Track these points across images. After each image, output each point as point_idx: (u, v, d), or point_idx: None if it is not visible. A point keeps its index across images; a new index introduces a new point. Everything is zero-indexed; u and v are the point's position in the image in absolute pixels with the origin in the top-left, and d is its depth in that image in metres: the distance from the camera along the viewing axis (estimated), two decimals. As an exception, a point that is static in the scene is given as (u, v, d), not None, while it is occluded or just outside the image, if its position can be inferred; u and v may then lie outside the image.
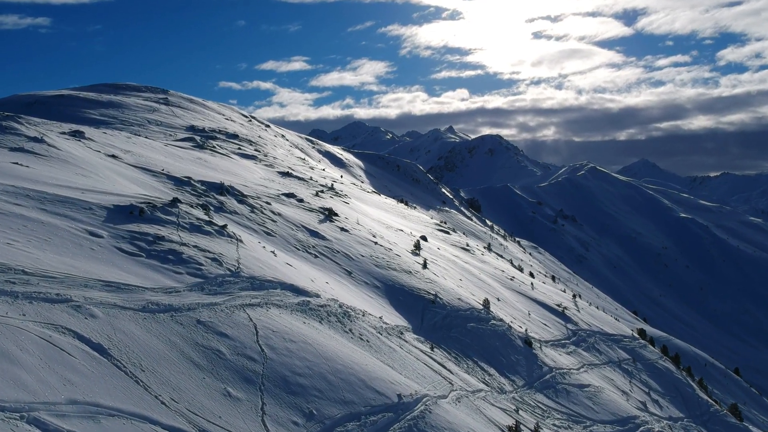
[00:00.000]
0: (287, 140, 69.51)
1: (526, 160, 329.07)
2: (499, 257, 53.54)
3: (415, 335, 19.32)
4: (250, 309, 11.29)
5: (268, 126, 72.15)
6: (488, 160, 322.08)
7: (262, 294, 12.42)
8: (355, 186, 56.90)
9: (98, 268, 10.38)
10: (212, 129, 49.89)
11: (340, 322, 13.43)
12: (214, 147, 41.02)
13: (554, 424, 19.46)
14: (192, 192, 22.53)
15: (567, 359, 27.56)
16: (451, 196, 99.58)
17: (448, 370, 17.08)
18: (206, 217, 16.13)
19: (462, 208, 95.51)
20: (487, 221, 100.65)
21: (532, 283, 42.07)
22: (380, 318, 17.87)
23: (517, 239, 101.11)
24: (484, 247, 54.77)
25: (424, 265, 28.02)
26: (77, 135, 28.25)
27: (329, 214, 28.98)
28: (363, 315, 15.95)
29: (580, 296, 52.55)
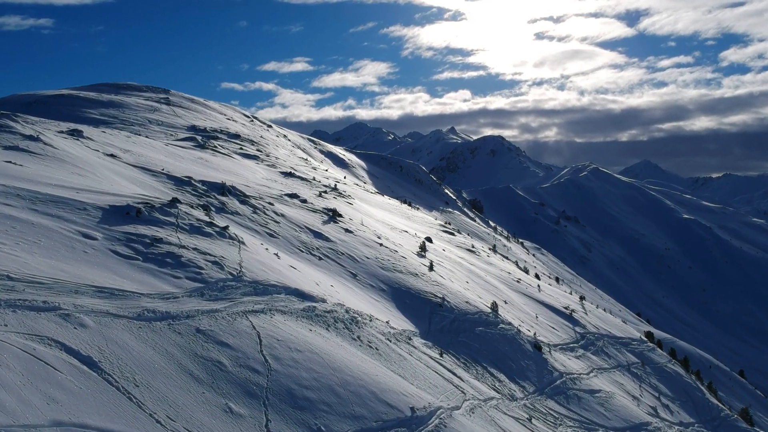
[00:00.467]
0: (289, 140, 68.87)
1: (528, 161, 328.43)
2: (504, 259, 52.85)
3: (423, 340, 18.67)
4: (253, 316, 10.59)
5: (270, 126, 71.54)
6: (490, 160, 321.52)
7: (265, 299, 11.73)
8: (358, 186, 56.25)
9: (91, 272, 9.70)
10: (214, 129, 49.27)
11: (348, 329, 12.74)
12: (215, 147, 40.38)
13: (568, 433, 18.80)
14: (192, 192, 21.87)
15: (576, 363, 26.92)
16: (453, 197, 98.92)
17: (459, 378, 16.41)
18: (207, 218, 15.45)
19: (465, 209, 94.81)
20: (491, 222, 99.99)
21: (538, 285, 41.38)
22: (387, 322, 17.23)
23: (520, 240, 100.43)
24: (490, 249, 54.09)
25: (431, 268, 27.35)
26: (75, 134, 27.60)
27: (333, 215, 28.32)
28: (370, 320, 15.28)
29: (584, 298, 51.87)
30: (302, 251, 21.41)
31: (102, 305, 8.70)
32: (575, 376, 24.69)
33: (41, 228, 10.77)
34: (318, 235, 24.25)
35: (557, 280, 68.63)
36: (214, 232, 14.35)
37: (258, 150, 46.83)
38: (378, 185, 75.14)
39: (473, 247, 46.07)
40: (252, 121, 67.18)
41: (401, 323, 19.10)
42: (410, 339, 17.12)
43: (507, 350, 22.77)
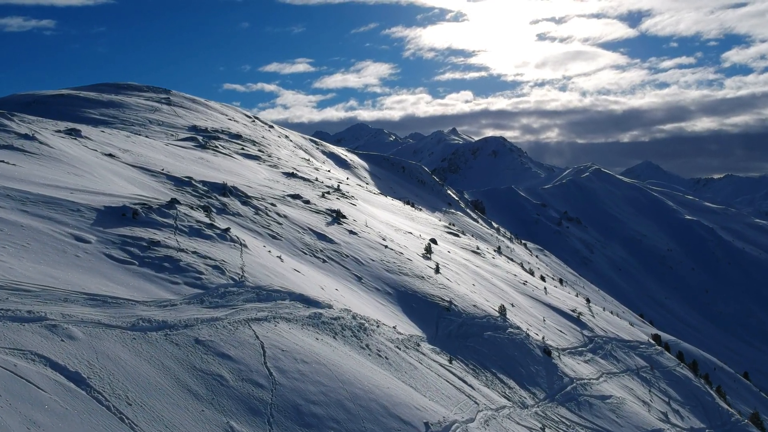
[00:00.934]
0: (291, 141, 68.22)
1: (530, 161, 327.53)
2: (509, 261, 52.16)
3: (431, 346, 18.02)
4: (256, 324, 9.91)
5: (271, 127, 70.89)
6: (492, 161, 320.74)
7: (269, 306, 11.04)
8: (360, 187, 55.60)
9: (82, 278, 9.03)
10: (215, 129, 48.62)
11: (356, 337, 12.06)
12: (216, 147, 39.73)
13: (583, 443, 18.15)
14: (193, 193, 21.21)
15: (586, 368, 26.27)
16: (456, 198, 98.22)
17: (470, 386, 15.74)
18: (207, 220, 14.76)
19: (468, 210, 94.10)
20: (493, 223, 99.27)
21: (545, 288, 40.70)
22: (394, 328, 16.58)
23: (523, 241, 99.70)
24: (495, 250, 53.40)
25: (437, 270, 26.68)
26: (73, 133, 26.95)
27: (337, 216, 27.65)
28: (378, 326, 14.62)
29: (590, 301, 51.18)
30: (306, 253, 20.74)
31: (93, 314, 8.03)
32: (585, 381, 24.06)
33: (31, 230, 10.11)
34: (322, 236, 23.58)
35: (561, 281, 67.87)
36: (214, 235, 13.67)
37: (260, 150, 46.17)
38: (380, 186, 74.46)
39: (478, 248, 45.39)
40: (254, 121, 66.54)
41: (408, 328, 18.46)
42: (418, 345, 16.46)
43: (516, 355, 22.11)
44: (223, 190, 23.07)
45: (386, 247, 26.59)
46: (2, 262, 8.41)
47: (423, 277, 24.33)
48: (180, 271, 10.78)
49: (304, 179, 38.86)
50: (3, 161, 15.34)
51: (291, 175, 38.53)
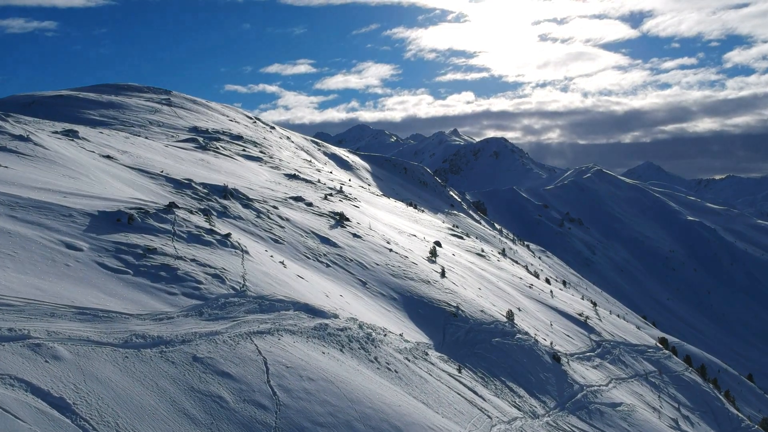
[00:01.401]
0: (292, 142, 67.60)
1: (531, 162, 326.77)
2: (514, 263, 51.51)
3: (439, 354, 17.41)
4: (259, 338, 9.26)
5: (273, 128, 70.27)
6: (493, 162, 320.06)
7: (272, 317, 10.39)
8: (363, 189, 54.97)
9: (72, 290, 8.38)
10: (216, 130, 48.01)
11: (364, 349, 11.41)
12: (217, 148, 39.12)
13: (598, 456, 17.53)
14: (193, 195, 20.58)
15: (595, 374, 25.66)
16: (458, 199, 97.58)
17: (481, 397, 15.11)
18: (207, 225, 14.11)
19: (470, 212, 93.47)
20: (496, 225, 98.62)
21: (551, 291, 40.06)
22: (401, 335, 15.98)
23: (525, 243, 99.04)
24: (499, 253, 52.75)
25: (443, 274, 26.06)
26: (70, 134, 26.33)
27: (340, 219, 27.03)
28: (385, 335, 13.99)
29: (596, 304, 50.55)
30: (309, 258, 20.11)
31: (82, 330, 7.39)
32: (595, 388, 23.45)
33: (18, 238, 9.47)
34: (325, 240, 22.96)
35: (564, 283, 67.23)
36: (214, 240, 13.02)
37: (261, 152, 45.56)
38: (382, 187, 73.81)
39: (483, 251, 44.74)
40: (255, 122, 65.95)
41: (415, 335, 17.85)
42: (426, 354, 15.84)
43: (525, 362, 21.49)
44: (224, 192, 22.45)
45: (391, 250, 25.97)
46: (-16, 274, 7.78)
47: (429, 282, 23.73)
48: (177, 281, 10.13)
49: (306, 181, 38.24)
50: (-6, 163, 14.72)
51: (293, 176, 37.92)
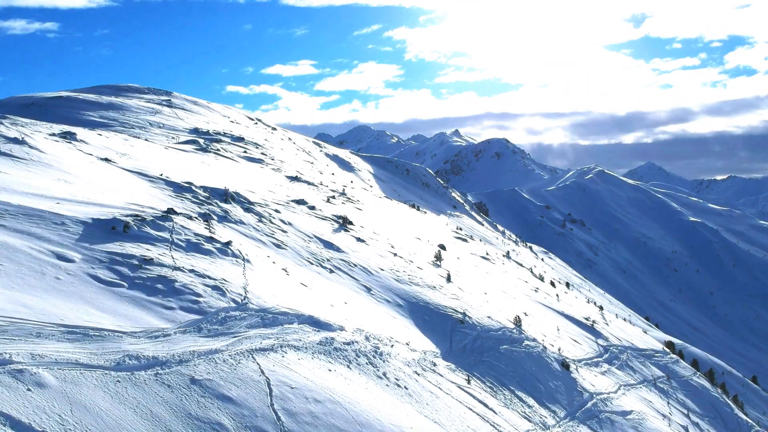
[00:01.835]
0: (294, 143, 67.03)
1: (533, 163, 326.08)
2: (519, 266, 50.90)
3: (447, 363, 16.84)
4: (261, 356, 8.67)
5: (274, 129, 69.72)
6: (495, 163, 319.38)
7: (275, 332, 9.80)
8: (365, 191, 54.40)
9: (61, 305, 7.81)
10: (216, 131, 47.46)
11: (372, 365, 10.82)
12: (218, 150, 38.56)
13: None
14: (193, 199, 19.99)
15: (604, 381, 25.06)
16: (461, 201, 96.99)
17: (491, 410, 14.54)
18: (207, 232, 13.53)
19: (473, 213, 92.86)
20: (498, 226, 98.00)
21: (557, 295, 39.48)
22: (408, 344, 15.42)
23: (528, 245, 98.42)
24: (503, 255, 52.14)
25: (448, 279, 25.50)
26: (68, 136, 25.77)
27: (343, 223, 26.47)
28: (392, 346, 13.44)
29: (603, 308, 49.96)
30: (312, 263, 19.53)
31: (71, 352, 6.82)
32: (605, 395, 22.88)
33: (6, 249, 8.90)
34: (329, 245, 22.38)
35: (567, 285, 66.64)
36: (214, 249, 12.43)
37: (263, 153, 45.00)
38: (384, 189, 73.22)
39: (487, 254, 44.17)
40: (256, 123, 65.41)
41: (422, 343, 17.28)
42: (435, 365, 15.27)
43: (534, 370, 20.92)
44: (225, 196, 21.88)
45: (395, 254, 25.41)
46: (-34, 290, 7.21)
47: (434, 287, 23.17)
48: (175, 294, 9.56)
49: (309, 183, 37.68)
50: (-14, 168, 14.16)
51: (295, 178, 37.37)
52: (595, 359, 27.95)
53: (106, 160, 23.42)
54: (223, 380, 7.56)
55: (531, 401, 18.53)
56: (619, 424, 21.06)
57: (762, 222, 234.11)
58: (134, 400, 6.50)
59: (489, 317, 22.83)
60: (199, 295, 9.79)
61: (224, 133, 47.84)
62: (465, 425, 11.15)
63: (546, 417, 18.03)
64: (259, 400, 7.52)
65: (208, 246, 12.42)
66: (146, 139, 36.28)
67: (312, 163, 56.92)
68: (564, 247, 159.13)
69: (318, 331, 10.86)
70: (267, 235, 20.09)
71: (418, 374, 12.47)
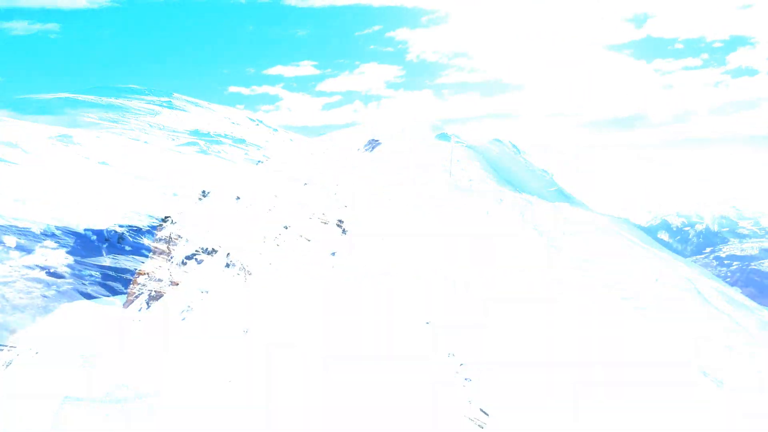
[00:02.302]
0: (296, 144, 66.36)
1: (534, 165, 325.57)
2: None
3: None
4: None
5: (276, 130, 69.09)
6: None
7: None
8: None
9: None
10: (217, 133, 46.87)
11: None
12: (219, 152, 37.92)
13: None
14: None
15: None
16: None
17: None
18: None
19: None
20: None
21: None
22: None
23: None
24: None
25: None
26: (65, 139, 25.10)
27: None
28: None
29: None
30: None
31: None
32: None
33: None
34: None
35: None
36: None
37: (264, 155, 44.34)
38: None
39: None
40: (257, 124, 64.86)
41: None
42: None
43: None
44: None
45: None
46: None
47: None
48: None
49: (313, 185, 36.99)
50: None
51: (296, 180, 36.68)
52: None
53: (104, 162, 22.73)
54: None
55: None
56: None
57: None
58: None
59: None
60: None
61: (225, 134, 47.16)
62: None
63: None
64: None
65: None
66: (146, 142, 35.56)
67: (315, 164, 56.19)
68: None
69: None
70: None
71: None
